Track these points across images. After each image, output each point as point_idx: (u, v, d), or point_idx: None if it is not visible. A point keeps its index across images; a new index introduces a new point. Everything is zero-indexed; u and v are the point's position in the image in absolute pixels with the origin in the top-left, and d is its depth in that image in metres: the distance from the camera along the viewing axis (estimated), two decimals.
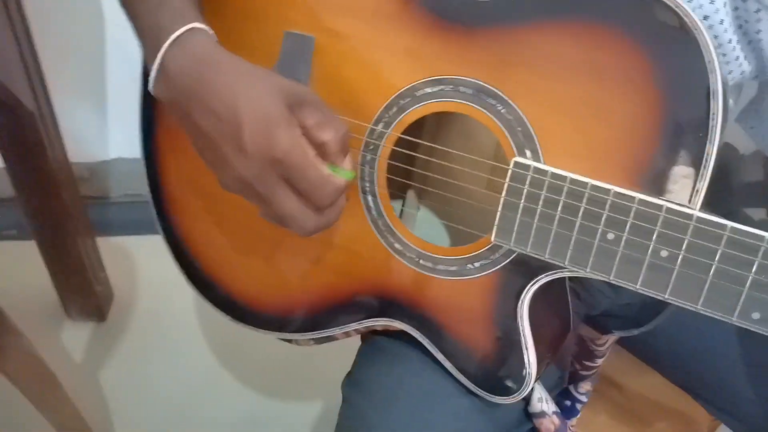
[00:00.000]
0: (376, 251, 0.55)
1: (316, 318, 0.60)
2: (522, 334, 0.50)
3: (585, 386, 0.67)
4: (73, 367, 1.20)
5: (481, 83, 0.48)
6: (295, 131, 0.44)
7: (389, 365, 0.56)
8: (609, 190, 0.43)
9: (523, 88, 0.46)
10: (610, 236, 0.43)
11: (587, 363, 0.64)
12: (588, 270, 0.45)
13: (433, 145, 0.51)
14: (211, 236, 0.63)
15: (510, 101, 0.47)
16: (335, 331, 0.59)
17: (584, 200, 0.44)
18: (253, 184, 0.44)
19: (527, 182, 0.46)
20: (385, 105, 0.51)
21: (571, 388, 0.68)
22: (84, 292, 1.18)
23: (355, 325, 0.58)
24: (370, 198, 0.54)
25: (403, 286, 0.54)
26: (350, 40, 0.52)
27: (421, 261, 0.53)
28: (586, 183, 0.43)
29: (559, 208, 0.45)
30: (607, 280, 0.45)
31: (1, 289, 1.27)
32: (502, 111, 0.47)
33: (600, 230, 0.43)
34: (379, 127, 0.52)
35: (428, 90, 0.50)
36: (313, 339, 0.62)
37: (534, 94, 0.46)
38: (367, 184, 0.54)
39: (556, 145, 0.46)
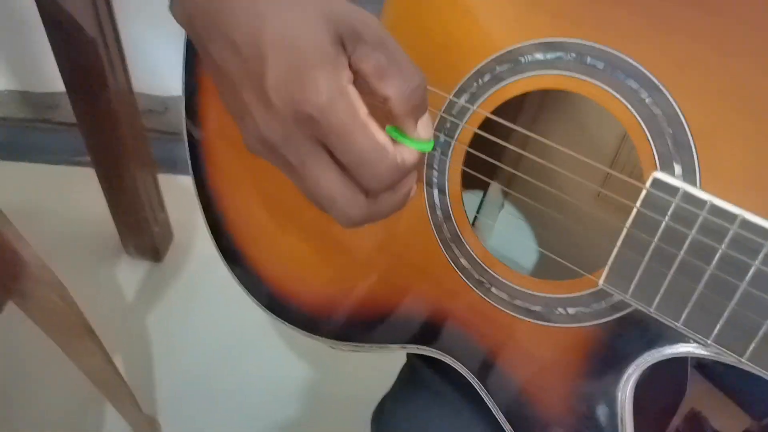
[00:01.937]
0: (435, 263, 0.41)
1: (350, 328, 0.48)
2: (620, 421, 0.35)
3: None
4: (123, 305, 1.17)
5: (622, 55, 0.32)
6: (341, 77, 0.30)
7: (425, 412, 0.43)
8: None
9: (687, 72, 0.30)
10: None
11: None
12: (746, 358, 0.29)
13: (530, 134, 0.36)
14: (245, 203, 0.52)
15: (663, 88, 0.31)
16: (371, 348, 0.47)
17: (762, 256, 0.28)
18: (280, 148, 0.31)
19: (669, 213, 0.30)
20: (474, 70, 0.37)
21: None
22: (140, 230, 1.13)
23: (395, 347, 0.45)
24: (436, 193, 0.40)
25: (462, 316, 0.41)
26: None
27: (493, 289, 0.39)
28: None
29: (715, 262, 0.29)
30: None
31: (65, 216, 1.26)
32: (647, 100, 0.31)
33: None
34: (462, 100, 0.38)
35: (539, 56, 0.34)
36: (345, 349, 0.51)
37: (704, 81, 0.30)
38: (436, 175, 0.40)
39: (725, 165, 0.30)
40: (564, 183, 0.41)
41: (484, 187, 0.49)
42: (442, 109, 0.38)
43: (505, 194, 0.49)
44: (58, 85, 0.93)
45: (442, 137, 0.39)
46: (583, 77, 0.33)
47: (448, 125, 0.38)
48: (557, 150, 0.35)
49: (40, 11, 0.83)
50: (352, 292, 0.47)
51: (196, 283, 1.20)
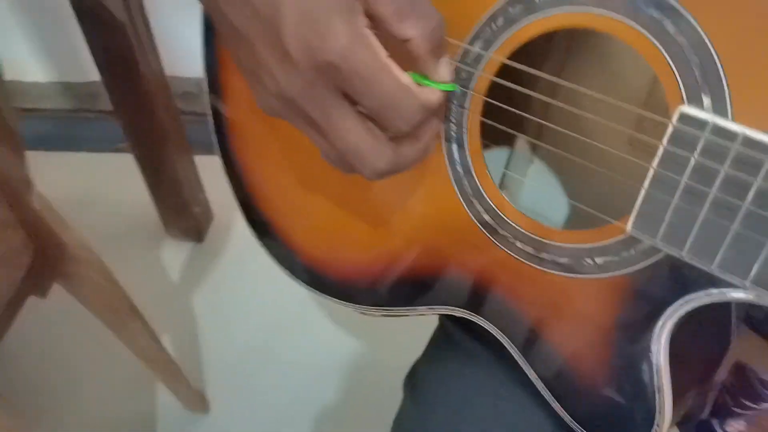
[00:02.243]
0: (457, 220, 0.40)
1: (377, 292, 0.47)
2: (655, 372, 0.33)
3: (735, 425, 0.49)
4: (168, 286, 1.20)
5: None
6: (358, 21, 0.29)
7: (458, 375, 0.42)
8: None
9: None
10: None
11: (745, 402, 0.46)
12: None
13: (554, 78, 0.34)
14: (271, 175, 0.52)
15: (686, 12, 0.29)
16: (400, 311, 0.46)
17: None
18: (300, 102, 0.31)
19: (699, 148, 0.28)
20: (488, 15, 0.35)
21: (715, 423, 0.50)
22: (181, 211, 1.16)
23: (423, 310, 0.45)
24: (455, 148, 0.39)
25: (488, 273, 0.40)
26: None
27: (518, 243, 0.38)
28: None
29: (750, 197, 0.27)
30: None
31: (109, 202, 1.29)
32: (671, 30, 0.29)
33: None
34: (477, 47, 0.36)
35: None
36: (375, 314, 0.50)
37: (732, 3, 0.28)
38: (454, 129, 0.38)
39: (760, 92, 0.27)
40: (595, 130, 0.39)
41: (511, 142, 0.47)
42: (458, 58, 0.37)
43: (534, 148, 0.48)
44: (96, 74, 0.95)
45: (458, 88, 0.37)
46: (602, 11, 0.31)
47: (464, 75, 0.37)
48: (586, 96, 0.33)
49: (72, 2, 0.85)
50: (379, 256, 0.46)
51: (238, 260, 1.22)
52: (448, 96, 0.38)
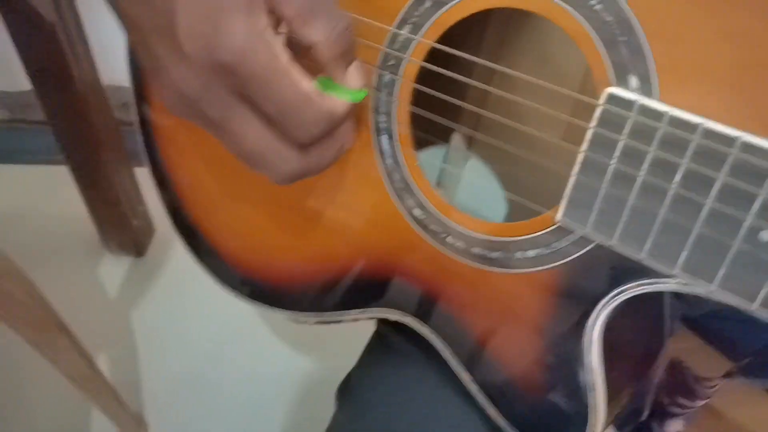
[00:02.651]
0: (388, 216, 0.38)
1: (310, 296, 0.44)
2: (588, 370, 0.32)
3: (675, 426, 0.48)
4: (105, 302, 1.14)
5: None
6: (258, 21, 0.27)
7: (391, 378, 0.40)
8: None
9: None
10: (766, 236, 0.24)
11: (683, 401, 0.45)
12: (715, 286, 0.26)
13: (481, 61, 0.33)
14: (194, 176, 0.49)
15: None
16: (331, 316, 0.44)
17: (728, 168, 0.25)
18: (199, 103, 0.29)
19: (626, 129, 0.27)
20: None
21: (654, 425, 0.49)
22: (120, 225, 1.10)
23: (355, 313, 0.42)
24: (384, 139, 0.37)
25: (420, 270, 0.38)
26: None
27: (449, 238, 0.36)
28: (736, 138, 0.24)
29: (678, 180, 0.26)
30: (745, 306, 0.26)
31: (44, 216, 1.23)
32: (597, 7, 0.28)
33: (750, 223, 0.24)
34: (405, 32, 0.34)
35: None
36: (309, 320, 0.47)
37: None
38: (383, 119, 0.37)
39: (685, 71, 0.27)
40: (531, 118, 0.38)
41: (448, 135, 0.46)
42: (385, 43, 0.35)
43: (470, 141, 0.46)
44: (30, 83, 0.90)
45: (387, 76, 0.36)
46: None
47: (391, 62, 0.35)
48: (522, 82, 0.32)
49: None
50: (310, 257, 0.44)
51: (180, 276, 1.17)
52: (375, 85, 0.36)
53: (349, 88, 0.30)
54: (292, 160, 0.30)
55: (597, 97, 0.28)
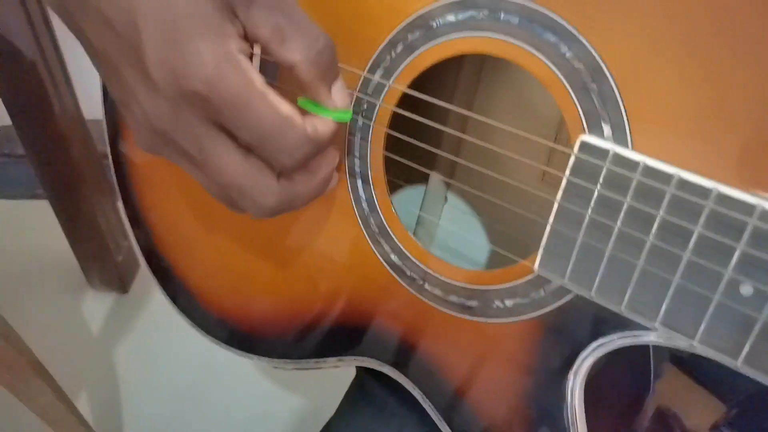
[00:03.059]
0: (365, 261, 0.37)
1: (286, 343, 0.43)
2: (571, 422, 0.31)
3: None
4: (88, 340, 1.12)
5: (535, 6, 0.28)
6: (228, 45, 0.26)
7: (369, 430, 0.39)
8: (754, 207, 0.23)
9: (603, 16, 0.27)
10: (747, 290, 0.23)
11: None
12: (697, 341, 0.25)
13: (459, 109, 0.32)
14: (169, 216, 0.48)
15: (580, 37, 0.27)
16: (308, 363, 0.42)
17: (704, 219, 0.24)
18: (171, 134, 0.28)
19: (600, 179, 0.26)
20: (386, 41, 0.33)
21: None
22: (103, 260, 1.09)
23: (333, 361, 0.41)
24: (360, 184, 0.36)
25: (396, 317, 0.37)
26: None
27: (426, 285, 0.35)
28: (710, 190, 0.24)
29: (654, 231, 0.25)
30: (730, 363, 0.25)
31: (26, 252, 1.21)
32: (567, 55, 0.28)
33: (729, 277, 0.24)
34: (377, 76, 0.34)
35: (451, 18, 0.31)
36: (287, 367, 0.46)
37: (621, 25, 0.26)
38: (358, 163, 0.36)
39: (657, 119, 0.26)
40: (508, 166, 0.38)
41: (424, 178, 0.45)
42: (357, 88, 0.34)
43: (447, 185, 0.46)
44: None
45: (360, 120, 0.35)
46: (499, 36, 0.29)
47: (365, 105, 0.35)
48: (498, 129, 0.31)
49: None
50: (286, 302, 0.42)
51: (165, 313, 1.14)
52: (350, 128, 0.35)
53: (333, 108, 0.29)
54: (274, 190, 0.29)
55: (571, 146, 0.27)
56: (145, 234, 0.51)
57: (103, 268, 1.11)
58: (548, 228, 0.28)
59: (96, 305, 1.15)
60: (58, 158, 0.92)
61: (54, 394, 0.78)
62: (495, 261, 0.42)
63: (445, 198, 0.46)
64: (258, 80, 0.26)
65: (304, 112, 0.29)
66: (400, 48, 0.33)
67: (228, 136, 0.28)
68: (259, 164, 0.28)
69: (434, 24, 0.31)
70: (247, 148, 0.28)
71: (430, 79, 0.33)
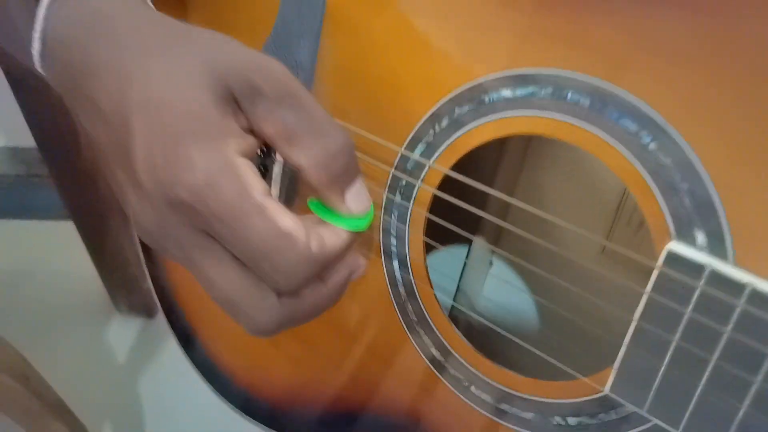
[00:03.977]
0: (401, 351, 0.33)
1: (313, 426, 0.39)
2: None
3: None
4: (116, 364, 1.10)
5: (613, 88, 0.24)
6: (224, 150, 0.22)
7: None
8: None
9: (700, 108, 0.22)
10: None
11: None
12: None
13: (509, 198, 0.28)
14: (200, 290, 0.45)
15: (671, 129, 0.23)
16: None
17: None
18: (159, 239, 0.24)
19: (693, 301, 0.22)
20: (428, 114, 0.29)
21: None
22: (130, 287, 1.07)
23: None
24: (396, 266, 0.32)
25: (437, 418, 0.32)
26: (388, 8, 0.30)
27: (472, 388, 0.30)
28: None
29: (764, 372, 0.21)
30: None
31: (56, 274, 1.20)
32: (651, 146, 0.23)
33: None
34: (416, 154, 0.30)
35: (506, 93, 0.27)
36: None
37: (722, 118, 0.22)
38: (394, 242, 0.32)
39: (762, 231, 0.21)
40: (560, 236, 0.33)
41: (468, 240, 0.41)
42: (394, 165, 0.30)
43: (493, 250, 0.41)
44: None
45: (398, 199, 0.31)
46: (565, 118, 0.25)
47: (403, 183, 0.30)
48: (549, 198, 0.27)
49: (2, 69, 0.78)
50: (312, 383, 0.39)
51: None
52: (386, 206, 0.31)
53: (347, 215, 0.25)
54: (273, 308, 0.24)
55: (654, 253, 0.23)
56: (167, 292, 0.47)
57: (129, 293, 1.09)
58: (623, 350, 0.24)
59: (122, 330, 1.13)
60: (86, 189, 0.90)
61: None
62: (547, 342, 0.38)
63: (490, 263, 0.42)
64: (257, 190, 0.22)
65: (316, 217, 0.25)
66: (445, 122, 0.28)
67: (220, 247, 0.24)
68: (254, 279, 0.24)
69: (487, 98, 0.27)
70: (242, 261, 0.24)
71: (469, 153, 0.29)
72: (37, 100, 0.80)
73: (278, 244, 0.22)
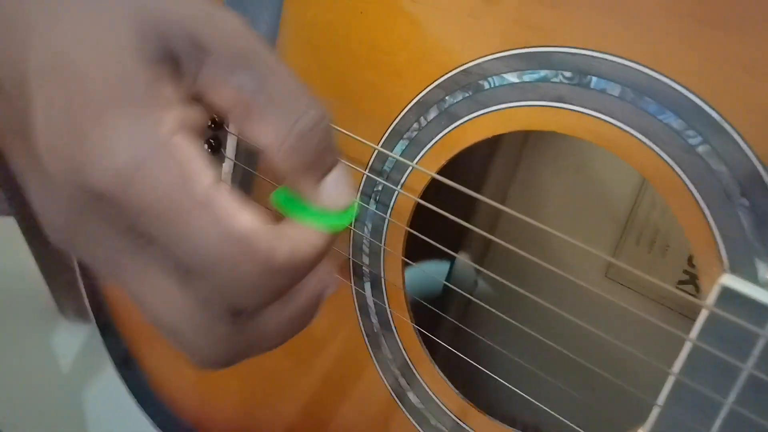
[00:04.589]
0: (371, 392, 0.27)
1: None
2: None
3: None
4: (60, 377, 1.02)
5: (647, 71, 0.19)
6: (160, 123, 0.16)
7: None
8: None
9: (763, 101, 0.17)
10: None
11: None
12: None
13: (500, 207, 0.22)
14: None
15: (728, 125, 0.18)
16: None
17: None
18: (73, 243, 0.18)
19: (754, 353, 0.17)
20: (413, 102, 0.23)
21: None
22: (75, 290, 0.99)
23: None
24: (369, 291, 0.26)
25: None
26: None
27: None
28: None
29: None
30: None
31: None
32: (700, 149, 0.18)
33: None
34: (396, 152, 0.24)
35: (512, 77, 0.21)
36: None
37: None
38: (366, 262, 0.26)
39: None
40: (559, 253, 0.28)
41: (449, 256, 0.35)
42: (368, 165, 0.25)
43: (478, 270, 0.36)
44: None
45: (372, 206, 0.25)
46: (586, 110, 0.20)
47: (379, 188, 0.25)
48: (546, 207, 0.22)
49: None
50: (264, 414, 0.33)
51: None
52: (358, 214, 0.26)
53: (326, 208, 0.18)
54: (223, 337, 0.18)
55: (699, 284, 0.18)
56: (103, 312, 0.41)
57: (77, 297, 1.01)
58: (657, 409, 0.19)
59: (68, 338, 1.05)
60: None
61: None
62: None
63: (476, 283, 0.36)
64: (203, 177, 0.16)
65: (281, 216, 0.18)
66: (433, 114, 0.23)
67: (152, 252, 0.18)
68: (203, 296, 0.18)
69: (486, 84, 0.21)
70: (184, 271, 0.18)
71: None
72: None
73: (231, 251, 0.16)
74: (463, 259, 0.35)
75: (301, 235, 0.18)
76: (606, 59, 0.19)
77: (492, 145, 0.32)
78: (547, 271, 0.20)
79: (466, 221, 0.23)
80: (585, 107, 0.20)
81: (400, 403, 0.26)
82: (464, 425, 0.24)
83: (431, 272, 0.35)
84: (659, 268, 0.29)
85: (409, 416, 0.26)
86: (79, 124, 0.16)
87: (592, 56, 0.19)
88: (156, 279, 0.18)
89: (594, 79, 0.19)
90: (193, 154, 0.16)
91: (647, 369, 0.19)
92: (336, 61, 0.25)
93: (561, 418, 0.22)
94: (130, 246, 0.18)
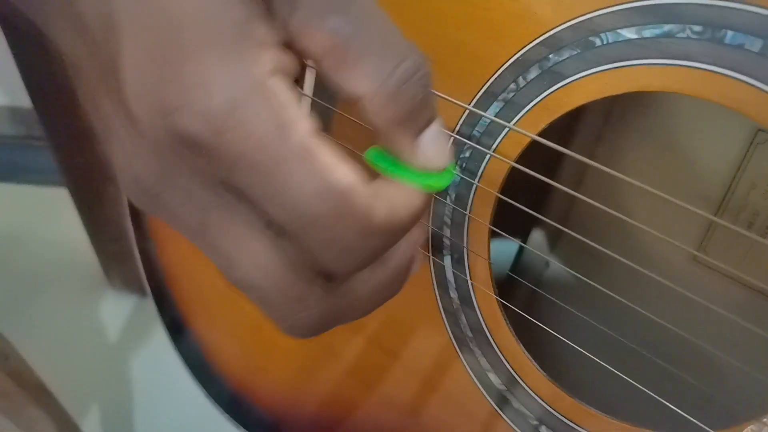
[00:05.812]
0: (448, 375, 0.26)
1: None
2: None
3: None
4: (106, 343, 1.05)
5: None
6: (254, 66, 0.15)
7: None
8: None
9: None
10: None
11: None
12: None
13: (577, 194, 0.20)
14: (192, 266, 0.38)
15: None
16: None
17: None
18: (161, 198, 0.17)
19: None
20: (511, 61, 0.22)
21: None
22: (124, 260, 1.01)
23: None
24: (450, 264, 0.25)
25: None
26: None
27: (543, 428, 0.23)
28: None
29: None
30: None
31: (49, 243, 1.14)
32: None
33: None
34: (490, 113, 0.22)
35: (629, 33, 0.19)
36: None
37: None
38: (447, 234, 0.25)
39: None
40: (642, 235, 0.26)
41: (521, 233, 0.34)
42: (457, 128, 0.23)
43: (552, 244, 0.34)
44: None
45: (457, 174, 0.24)
46: (719, 70, 0.18)
47: (467, 154, 0.23)
48: (630, 184, 0.20)
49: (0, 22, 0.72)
50: (326, 397, 0.32)
51: None
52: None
53: (423, 168, 0.17)
54: (315, 301, 0.17)
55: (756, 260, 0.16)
56: (157, 280, 0.41)
57: (124, 268, 1.03)
58: None
59: (114, 307, 1.07)
60: (83, 152, 0.83)
61: (54, 422, 0.70)
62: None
63: (547, 264, 0.34)
64: (300, 126, 0.15)
65: (375, 174, 0.17)
66: (533, 73, 0.21)
67: (246, 208, 0.17)
68: (291, 257, 0.17)
69: (598, 40, 0.20)
70: (276, 230, 0.17)
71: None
72: (33, 53, 0.73)
73: (328, 208, 0.15)
74: (537, 233, 0.33)
75: (398, 195, 0.17)
76: (745, 10, 0.17)
77: (570, 119, 0.30)
78: (629, 257, 0.18)
79: (540, 202, 0.22)
80: (717, 65, 0.18)
81: (480, 387, 0.25)
82: (553, 411, 0.23)
83: (500, 251, 0.34)
84: (759, 253, 0.26)
85: (486, 395, 0.24)
86: (169, 63, 0.14)
87: (728, 7, 0.17)
88: (245, 239, 0.17)
89: (729, 33, 0.17)
90: (290, 100, 0.15)
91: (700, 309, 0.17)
92: (422, 19, 0.23)
93: (671, 405, 0.20)
94: (219, 202, 0.17)
